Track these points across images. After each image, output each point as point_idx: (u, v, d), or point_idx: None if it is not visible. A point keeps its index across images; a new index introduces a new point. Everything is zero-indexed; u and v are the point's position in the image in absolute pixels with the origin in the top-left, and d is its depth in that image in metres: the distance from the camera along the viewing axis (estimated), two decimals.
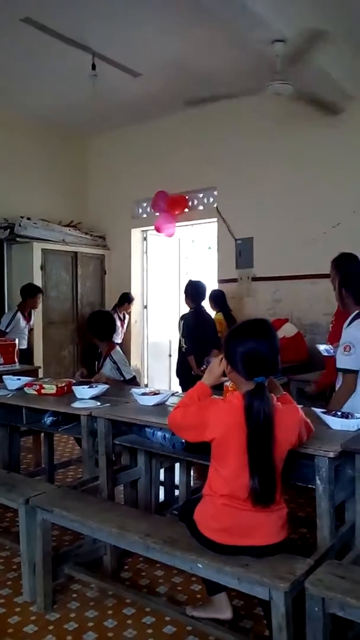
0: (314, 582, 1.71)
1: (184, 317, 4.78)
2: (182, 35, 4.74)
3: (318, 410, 2.41)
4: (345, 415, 2.34)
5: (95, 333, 3.89)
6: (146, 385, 6.72)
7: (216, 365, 2.08)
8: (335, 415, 2.35)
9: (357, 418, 2.31)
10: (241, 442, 1.85)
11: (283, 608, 1.73)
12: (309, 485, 2.15)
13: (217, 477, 1.99)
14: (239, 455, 1.87)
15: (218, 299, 5.57)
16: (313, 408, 2.44)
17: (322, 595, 1.68)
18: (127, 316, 7.07)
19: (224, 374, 2.07)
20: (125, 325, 7.01)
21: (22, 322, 5.84)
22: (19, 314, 5.81)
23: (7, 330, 5.62)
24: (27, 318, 5.95)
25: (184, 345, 4.67)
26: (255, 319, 2.05)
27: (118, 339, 6.50)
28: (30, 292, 5.91)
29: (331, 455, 1.99)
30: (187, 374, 4.62)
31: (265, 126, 5.90)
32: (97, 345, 3.95)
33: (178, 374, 4.85)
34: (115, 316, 6.69)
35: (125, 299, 7.01)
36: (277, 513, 1.94)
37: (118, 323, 6.66)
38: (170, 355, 7.34)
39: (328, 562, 1.85)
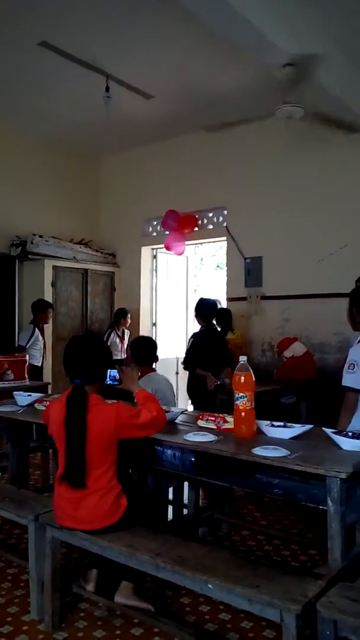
0: (325, 604, 1.70)
1: (194, 335, 4.79)
2: (194, 58, 4.85)
3: (329, 431, 2.40)
4: (357, 436, 2.33)
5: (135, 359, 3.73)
6: None
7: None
8: (346, 435, 2.35)
9: None
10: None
11: (294, 631, 1.72)
12: (320, 507, 2.14)
13: None
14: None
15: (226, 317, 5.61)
16: (324, 428, 2.44)
17: (335, 618, 1.66)
18: (126, 332, 6.87)
19: None
20: (125, 342, 6.76)
21: (40, 338, 5.90)
22: (37, 330, 5.85)
23: (27, 346, 5.66)
24: (43, 334, 6.00)
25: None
26: (72, 337, 2.54)
27: (119, 355, 6.48)
28: (40, 308, 5.97)
29: (343, 476, 1.98)
30: (198, 392, 4.62)
31: (275, 147, 5.98)
32: None
33: (190, 392, 4.83)
34: (114, 334, 6.68)
35: (121, 315, 6.82)
36: (92, 498, 2.26)
37: (117, 341, 6.65)
38: (177, 373, 7.33)
39: (340, 585, 1.84)
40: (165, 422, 2.45)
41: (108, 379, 2.58)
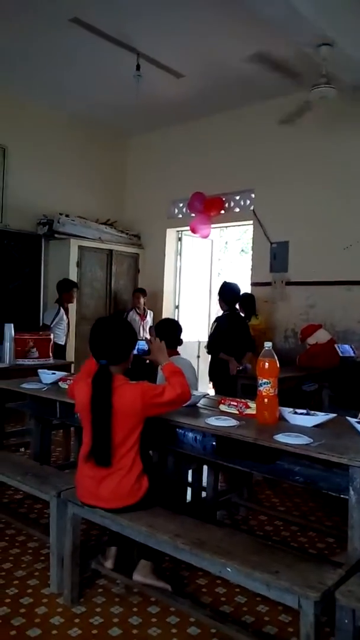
0: (344, 593, 1.69)
1: (217, 320, 4.77)
2: (226, 37, 4.74)
3: (353, 420, 2.38)
4: None
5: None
6: None
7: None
8: None
9: None
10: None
11: (312, 618, 1.72)
12: (342, 496, 2.12)
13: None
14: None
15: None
16: (348, 417, 2.41)
17: (353, 606, 1.66)
18: (149, 312, 6.80)
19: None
20: (147, 321, 6.68)
21: (65, 318, 5.94)
22: (62, 310, 5.91)
23: (52, 325, 5.70)
24: (67, 313, 6.04)
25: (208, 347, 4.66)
26: (98, 318, 2.56)
27: (145, 334, 6.46)
28: (65, 287, 6.00)
29: None
30: (220, 376, 4.60)
31: (305, 129, 5.84)
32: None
33: (211, 376, 4.82)
34: (133, 312, 6.66)
35: (136, 292, 6.84)
36: (115, 477, 2.29)
37: (137, 318, 6.61)
38: (198, 356, 7.33)
39: (359, 574, 1.83)
40: (189, 395, 2.49)
41: (136, 350, 2.57)
